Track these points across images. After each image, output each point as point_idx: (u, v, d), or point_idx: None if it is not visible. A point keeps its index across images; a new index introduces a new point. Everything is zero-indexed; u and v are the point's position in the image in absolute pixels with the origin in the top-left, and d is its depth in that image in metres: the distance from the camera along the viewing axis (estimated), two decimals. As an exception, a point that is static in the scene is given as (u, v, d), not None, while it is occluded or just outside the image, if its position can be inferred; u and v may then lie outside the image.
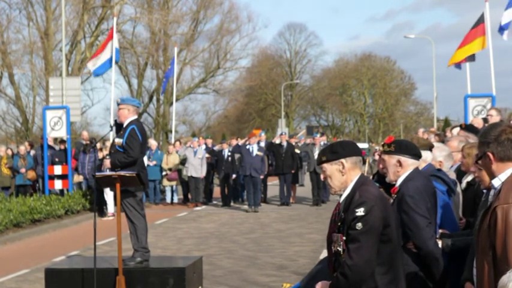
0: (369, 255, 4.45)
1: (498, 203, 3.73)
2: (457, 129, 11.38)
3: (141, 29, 53.52)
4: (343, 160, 4.68)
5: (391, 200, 5.49)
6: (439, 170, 6.36)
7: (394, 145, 5.58)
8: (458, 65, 23.34)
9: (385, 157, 5.63)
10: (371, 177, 6.19)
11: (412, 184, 5.46)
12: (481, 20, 21.08)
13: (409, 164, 5.55)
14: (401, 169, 5.54)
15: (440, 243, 5.55)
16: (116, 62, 25.42)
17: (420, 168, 5.81)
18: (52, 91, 23.56)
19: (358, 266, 4.43)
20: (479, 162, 4.08)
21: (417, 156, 5.61)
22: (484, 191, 5.81)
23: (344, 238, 4.52)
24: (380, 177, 5.93)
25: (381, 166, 5.82)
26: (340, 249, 4.55)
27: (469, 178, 6.51)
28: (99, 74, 26.69)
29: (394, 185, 5.59)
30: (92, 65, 24.55)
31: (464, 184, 6.65)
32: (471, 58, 22.28)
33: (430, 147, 6.43)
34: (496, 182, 3.95)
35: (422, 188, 5.48)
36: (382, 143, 5.82)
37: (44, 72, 43.80)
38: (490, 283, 3.70)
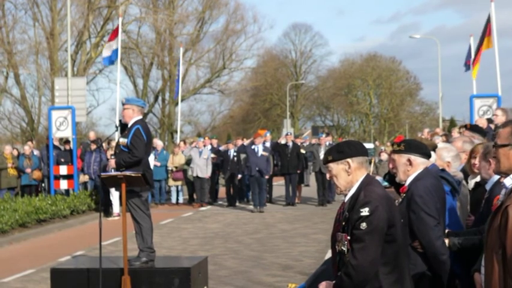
0: (373, 255, 4.44)
1: (510, 202, 3.70)
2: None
3: (147, 29, 53.65)
4: (349, 160, 4.67)
5: (400, 200, 5.49)
6: (443, 170, 6.35)
7: (403, 144, 5.60)
8: (468, 66, 23.39)
9: (395, 156, 5.63)
10: (378, 177, 6.18)
11: (421, 183, 5.45)
12: (487, 21, 21.11)
13: (419, 163, 5.55)
14: (411, 168, 5.54)
15: (447, 241, 5.54)
16: (112, 62, 25.61)
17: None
18: (57, 91, 23.61)
19: (362, 266, 4.42)
20: (503, 149, 3.97)
21: (427, 155, 5.62)
22: (487, 188, 5.80)
23: (348, 238, 4.52)
24: (391, 177, 5.93)
25: (390, 166, 5.81)
26: (344, 248, 4.54)
27: (478, 178, 6.49)
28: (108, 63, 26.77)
29: (403, 184, 5.59)
30: (105, 52, 24.97)
31: (472, 184, 6.63)
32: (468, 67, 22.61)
33: (433, 148, 6.43)
34: (508, 181, 3.92)
35: (432, 187, 5.48)
36: (392, 142, 5.82)
37: (50, 72, 43.83)
38: (499, 282, 3.67)
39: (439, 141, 11.47)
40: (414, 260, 5.34)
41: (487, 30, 21.32)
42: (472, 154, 6.53)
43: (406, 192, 5.51)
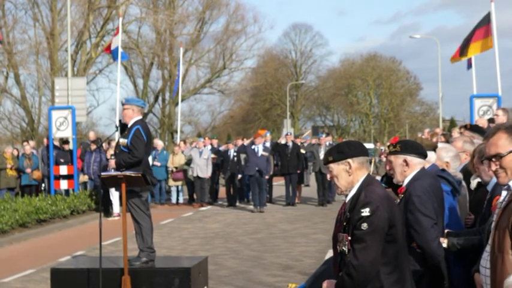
0: (374, 255, 4.45)
1: None
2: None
3: (147, 29, 53.71)
4: (349, 160, 4.67)
5: (398, 200, 5.48)
6: (443, 170, 6.35)
7: (399, 145, 5.59)
8: (469, 65, 23.32)
9: (392, 157, 5.62)
10: (379, 178, 6.17)
11: (419, 184, 5.45)
12: (485, 21, 21.05)
13: (416, 163, 5.54)
14: (408, 168, 5.53)
15: (446, 242, 5.54)
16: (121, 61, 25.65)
17: (424, 169, 5.79)
18: (58, 91, 23.62)
19: (363, 266, 4.43)
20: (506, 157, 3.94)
21: (423, 155, 5.61)
22: (489, 189, 5.80)
23: (349, 238, 4.52)
24: (389, 179, 5.93)
25: (387, 167, 5.81)
26: (345, 249, 4.55)
27: (479, 178, 6.49)
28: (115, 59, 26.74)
29: (401, 185, 5.58)
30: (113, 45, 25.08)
31: (474, 184, 6.62)
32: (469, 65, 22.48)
33: (433, 148, 6.43)
34: None
35: (430, 187, 5.47)
36: (388, 144, 5.82)
37: (50, 72, 43.86)
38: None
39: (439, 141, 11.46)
40: (412, 260, 5.33)
41: (479, 29, 21.23)
42: (474, 154, 6.52)
43: (404, 193, 5.51)
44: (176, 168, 24.00)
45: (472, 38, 21.36)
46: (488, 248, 4.00)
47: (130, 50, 51.07)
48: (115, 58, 26.21)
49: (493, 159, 3.98)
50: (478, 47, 21.27)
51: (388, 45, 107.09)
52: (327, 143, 23.84)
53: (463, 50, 21.69)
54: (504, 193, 3.99)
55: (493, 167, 4.00)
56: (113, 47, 25.21)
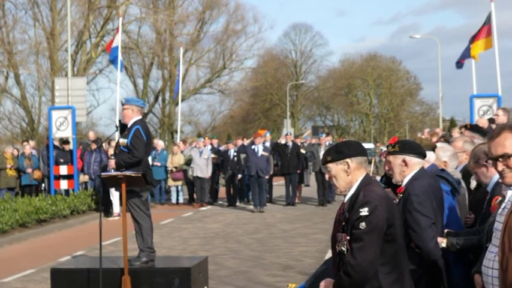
0: (372, 255, 4.45)
1: None
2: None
3: (147, 29, 53.75)
4: (348, 160, 4.67)
5: (397, 200, 5.48)
6: (443, 170, 6.35)
7: (398, 145, 5.59)
8: (460, 64, 23.32)
9: (390, 158, 5.62)
10: (378, 178, 6.17)
11: (418, 183, 5.45)
12: (487, 21, 21.08)
13: (415, 163, 5.54)
14: (407, 168, 5.53)
15: (445, 242, 5.54)
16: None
17: (423, 169, 5.79)
18: (58, 91, 23.63)
19: (361, 265, 4.43)
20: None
21: (422, 155, 5.62)
22: (489, 190, 5.80)
23: (348, 238, 4.52)
24: (388, 179, 5.93)
25: (386, 168, 5.81)
26: (344, 248, 4.54)
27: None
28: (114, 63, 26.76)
29: (400, 185, 5.58)
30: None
31: (474, 184, 6.62)
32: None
33: (433, 148, 6.43)
34: None
35: (429, 187, 5.47)
36: (387, 144, 5.82)
37: (50, 72, 43.86)
38: None
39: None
40: (412, 260, 5.33)
41: (482, 28, 21.26)
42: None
43: (403, 193, 5.51)
44: (176, 168, 24.01)
45: (476, 37, 21.39)
46: (492, 249, 3.97)
47: (131, 50, 51.10)
48: (116, 65, 26.28)
49: (500, 159, 3.97)
50: (479, 46, 21.27)
51: (388, 45, 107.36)
52: (327, 143, 23.83)
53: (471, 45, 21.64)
54: (510, 193, 3.97)
55: (500, 167, 3.98)
56: (112, 52, 25.16)
